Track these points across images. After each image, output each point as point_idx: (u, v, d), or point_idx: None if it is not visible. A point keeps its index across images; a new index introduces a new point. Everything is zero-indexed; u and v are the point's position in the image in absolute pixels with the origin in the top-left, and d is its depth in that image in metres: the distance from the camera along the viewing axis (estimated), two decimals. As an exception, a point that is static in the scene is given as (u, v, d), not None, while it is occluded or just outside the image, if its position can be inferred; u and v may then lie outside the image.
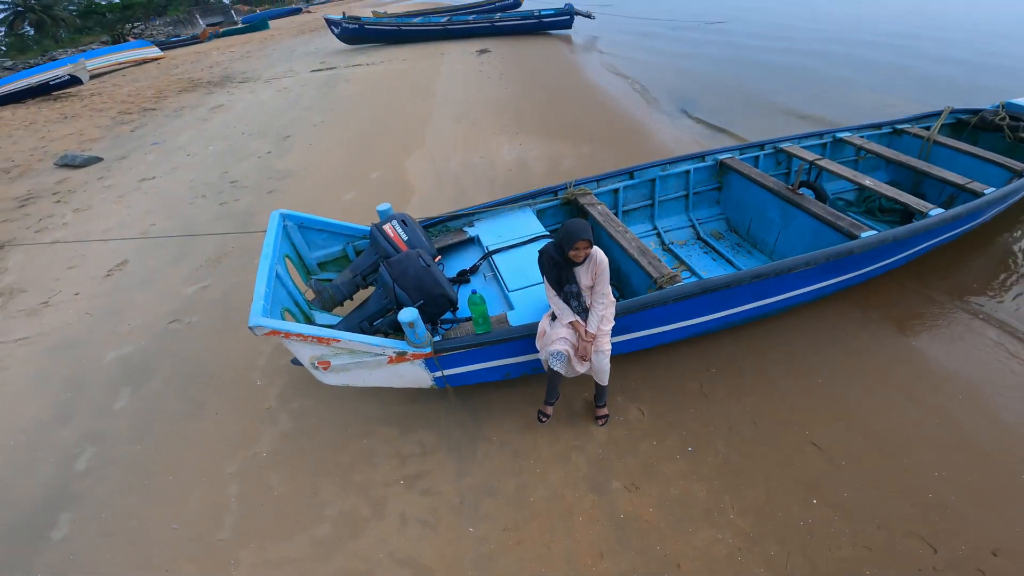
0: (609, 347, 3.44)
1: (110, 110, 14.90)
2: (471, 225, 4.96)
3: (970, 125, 6.38)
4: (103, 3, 61.56)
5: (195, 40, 39.51)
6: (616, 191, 5.43)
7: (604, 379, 3.57)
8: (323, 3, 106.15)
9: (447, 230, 4.94)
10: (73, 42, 49.56)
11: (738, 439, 3.62)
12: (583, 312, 3.42)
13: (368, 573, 3.09)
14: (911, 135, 6.11)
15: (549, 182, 6.80)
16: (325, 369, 3.47)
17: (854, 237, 4.09)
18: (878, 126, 6.29)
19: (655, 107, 10.52)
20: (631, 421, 3.82)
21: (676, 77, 12.89)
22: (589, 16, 20.40)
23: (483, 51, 17.41)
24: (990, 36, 15.15)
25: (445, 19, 21.82)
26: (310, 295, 4.24)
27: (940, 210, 4.31)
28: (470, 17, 22.05)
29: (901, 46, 14.49)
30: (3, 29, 59.89)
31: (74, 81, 19.79)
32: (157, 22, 55.98)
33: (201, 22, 58.75)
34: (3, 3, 56.56)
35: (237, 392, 4.41)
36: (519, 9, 25.52)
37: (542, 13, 20.71)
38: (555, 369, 3.41)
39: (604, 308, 3.39)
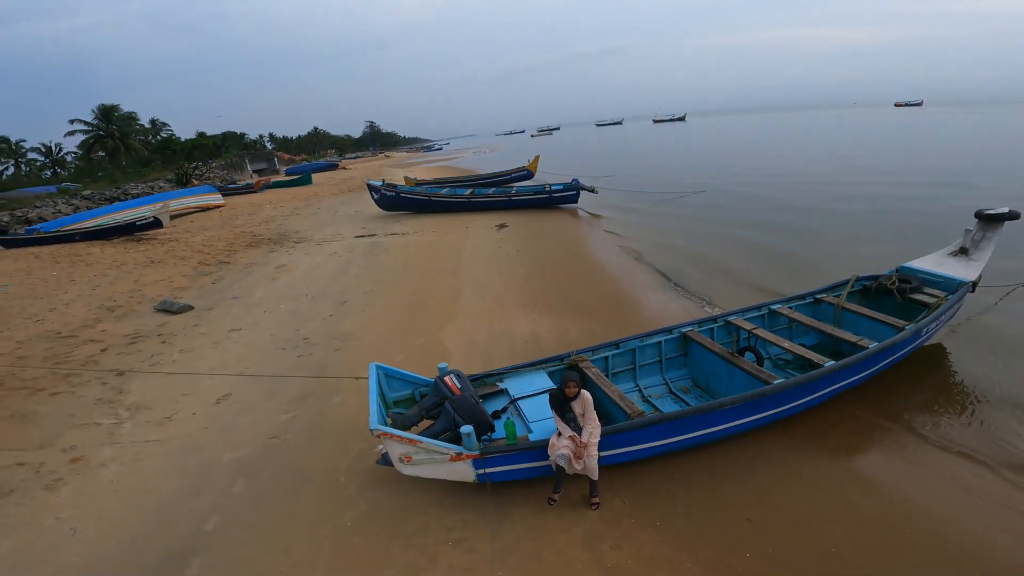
0: (596, 453, 5.17)
1: (190, 259, 17.54)
2: (501, 380, 6.86)
3: (872, 290, 8.08)
4: (176, 139, 67.95)
5: (249, 189, 44.86)
6: (606, 358, 7.33)
7: (595, 475, 5.24)
8: (355, 158, 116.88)
9: (484, 383, 6.79)
10: (139, 175, 54.20)
11: (693, 517, 5.14)
12: (578, 430, 5.23)
13: None
14: (827, 303, 7.96)
15: (558, 350, 8.43)
16: (407, 462, 5.19)
17: (769, 384, 5.89)
18: (803, 297, 8.19)
19: (645, 282, 12.92)
20: (616, 507, 5.35)
21: (664, 249, 15.84)
22: (592, 191, 23.61)
23: (502, 226, 20.12)
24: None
25: (468, 192, 25.40)
26: (388, 421, 5.95)
27: (832, 362, 6.12)
28: (490, 191, 25.61)
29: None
30: (78, 152, 65.90)
31: (155, 224, 22.54)
32: (212, 164, 62.09)
33: (249, 167, 65.38)
34: (88, 125, 63.13)
35: (326, 484, 5.95)
36: (532, 183, 28.84)
37: (552, 188, 23.90)
38: (560, 465, 5.14)
39: (592, 427, 5.21)
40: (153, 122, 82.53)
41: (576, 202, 24.10)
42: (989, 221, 7.70)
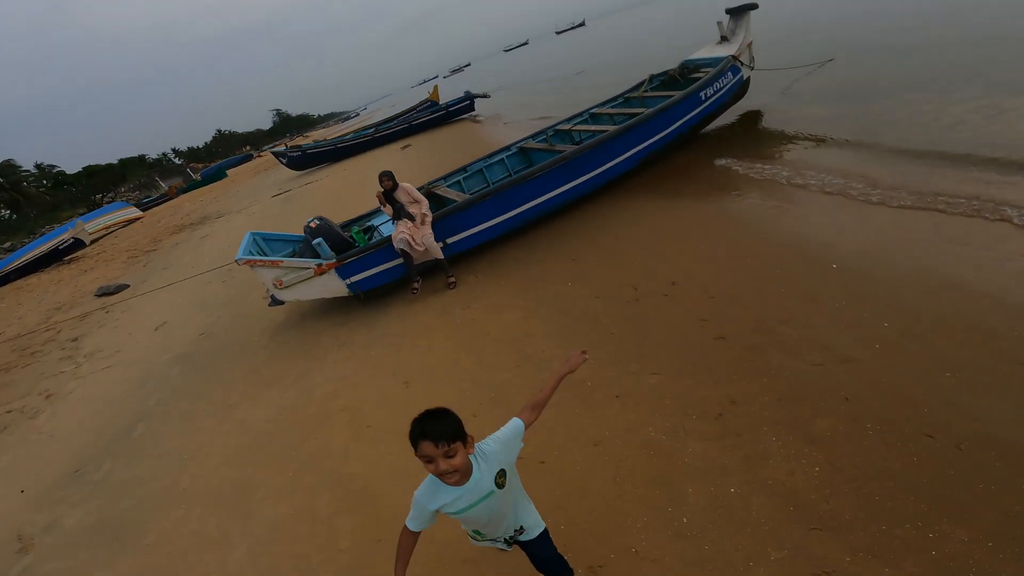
0: (431, 233, 6.17)
1: (120, 257, 18.50)
2: (371, 220, 7.89)
3: (666, 82, 9.40)
4: (68, 173, 64.54)
5: (165, 198, 44.66)
6: (459, 181, 8.34)
7: (438, 254, 6.26)
8: (273, 148, 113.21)
9: (359, 223, 7.80)
10: (54, 219, 52.93)
11: (530, 271, 6.21)
12: (410, 217, 6.26)
13: (316, 386, 5.49)
14: (634, 98, 9.19)
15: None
16: (280, 287, 6.23)
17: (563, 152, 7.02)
18: (615, 98, 9.35)
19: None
20: (470, 282, 6.42)
21: (537, 111, 16.96)
22: (486, 96, 24.12)
23: (406, 147, 21.03)
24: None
25: (372, 130, 25.93)
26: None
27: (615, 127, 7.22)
28: (392, 123, 26.16)
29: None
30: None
31: (78, 244, 23.38)
32: (123, 189, 60.90)
33: (162, 184, 64.15)
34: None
35: (244, 347, 7.07)
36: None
37: (448, 105, 24.68)
38: (403, 249, 6.12)
39: (422, 210, 6.23)
40: (39, 166, 76.40)
41: (474, 110, 24.73)
42: (736, 13, 8.90)
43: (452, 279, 6.50)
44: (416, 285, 6.58)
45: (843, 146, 7.09)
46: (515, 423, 2.06)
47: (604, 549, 2.80)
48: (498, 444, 1.98)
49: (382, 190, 6.31)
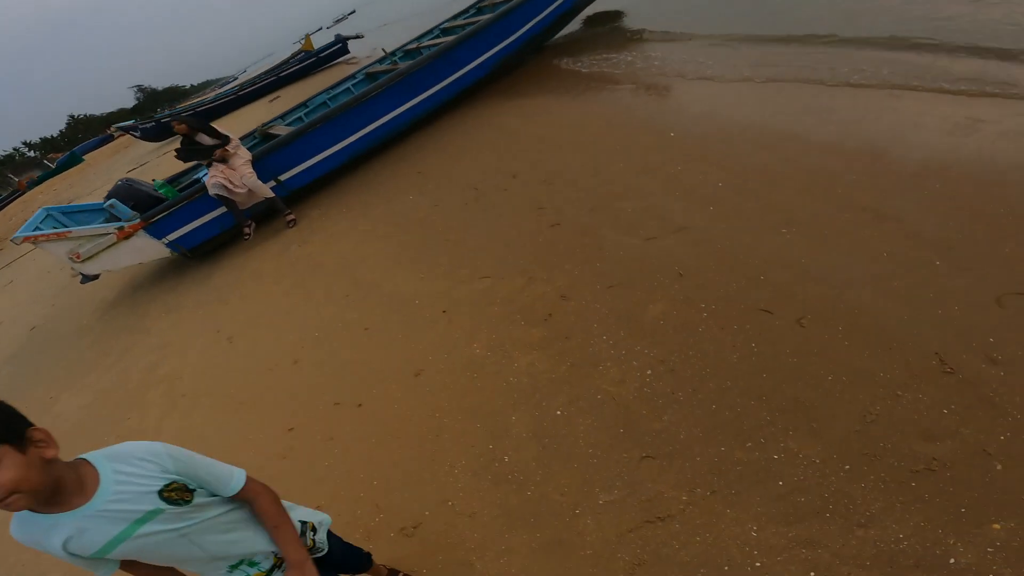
0: (251, 172, 5.44)
1: None
2: (196, 173, 6.79)
3: None
4: None
5: (17, 194, 40.01)
6: (300, 117, 7.42)
7: (265, 193, 5.54)
8: (122, 124, 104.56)
9: (178, 182, 6.73)
10: None
11: (373, 192, 5.71)
12: (223, 160, 5.43)
13: (137, 361, 4.80)
14: (486, 6, 8.34)
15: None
16: (79, 260, 5.32)
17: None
18: (467, 9, 8.52)
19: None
20: (312, 216, 5.77)
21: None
22: (360, 36, 22.27)
23: (275, 99, 19.29)
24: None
25: (236, 88, 23.40)
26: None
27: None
28: (261, 78, 23.93)
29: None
30: None
31: None
32: None
33: (15, 179, 58.40)
34: None
35: (72, 334, 6.14)
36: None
37: (319, 51, 22.77)
38: (220, 195, 5.37)
39: (236, 150, 5.45)
40: None
41: (348, 52, 22.98)
42: None
43: (291, 217, 5.80)
44: (248, 230, 5.84)
45: (693, 37, 6.83)
46: (237, 475, 1.30)
47: (419, 505, 2.32)
48: (169, 458, 1.19)
49: (180, 137, 5.43)
